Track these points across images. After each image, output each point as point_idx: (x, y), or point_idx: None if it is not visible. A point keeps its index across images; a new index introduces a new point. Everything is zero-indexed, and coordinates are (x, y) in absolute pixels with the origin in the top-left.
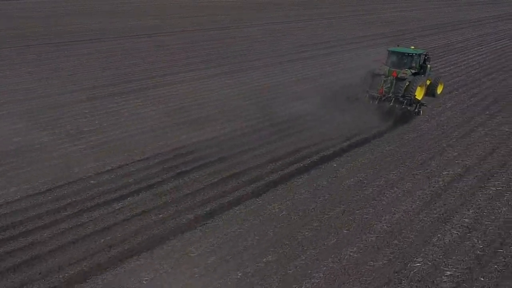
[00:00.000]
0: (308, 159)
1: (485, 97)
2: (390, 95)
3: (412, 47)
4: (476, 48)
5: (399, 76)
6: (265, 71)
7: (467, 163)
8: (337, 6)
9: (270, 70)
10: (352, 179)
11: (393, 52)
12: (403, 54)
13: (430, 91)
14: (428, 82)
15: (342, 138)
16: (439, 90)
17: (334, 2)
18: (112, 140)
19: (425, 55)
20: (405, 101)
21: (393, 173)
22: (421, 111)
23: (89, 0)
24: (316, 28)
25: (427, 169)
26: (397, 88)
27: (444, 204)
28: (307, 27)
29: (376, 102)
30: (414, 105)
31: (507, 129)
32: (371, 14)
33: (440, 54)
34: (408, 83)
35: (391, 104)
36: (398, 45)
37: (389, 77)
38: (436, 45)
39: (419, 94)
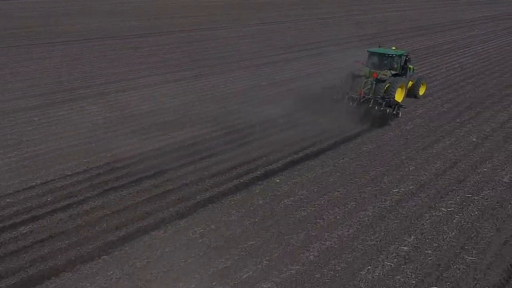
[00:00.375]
0: (252, 174)
1: (460, 103)
2: (370, 96)
3: (394, 48)
4: (461, 50)
5: (379, 77)
6: (242, 74)
7: (422, 178)
8: (335, 5)
9: (247, 73)
10: (291, 198)
11: (373, 53)
12: (383, 55)
13: (412, 93)
14: (410, 83)
15: (298, 147)
16: (422, 91)
17: (333, 1)
18: (49, 151)
19: (406, 56)
20: (384, 102)
21: (339, 191)
22: (399, 113)
23: (75, 1)
24: (311, 28)
25: (377, 186)
26: (377, 90)
27: (385, 228)
28: (302, 27)
29: (355, 104)
30: (393, 107)
31: (474, 139)
32: (365, 14)
33: (424, 56)
34: (388, 84)
35: (370, 105)
36: (379, 46)
37: (369, 78)
38: (421, 46)
39: (399, 95)
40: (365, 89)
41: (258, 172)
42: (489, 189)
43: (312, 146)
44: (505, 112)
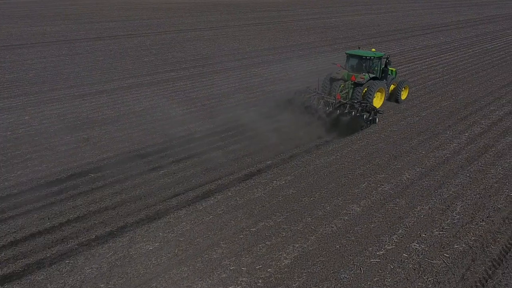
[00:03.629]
0: (153, 207)
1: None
2: (346, 101)
3: (373, 50)
4: (414, 63)
5: (357, 80)
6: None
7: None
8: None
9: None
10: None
11: (351, 55)
12: (361, 57)
13: (393, 97)
14: (392, 87)
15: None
16: (404, 95)
17: (306, 4)
18: None
19: (386, 58)
20: (360, 108)
21: (254, 228)
22: (377, 119)
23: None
24: (266, 33)
25: (292, 227)
26: (355, 94)
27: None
28: (259, 31)
29: (331, 108)
30: (369, 112)
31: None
32: (336, 17)
33: None
34: (366, 88)
35: (346, 111)
36: (359, 48)
37: (347, 82)
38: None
39: (378, 100)
40: (342, 93)
41: (174, 202)
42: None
43: (259, 163)
44: (448, 146)
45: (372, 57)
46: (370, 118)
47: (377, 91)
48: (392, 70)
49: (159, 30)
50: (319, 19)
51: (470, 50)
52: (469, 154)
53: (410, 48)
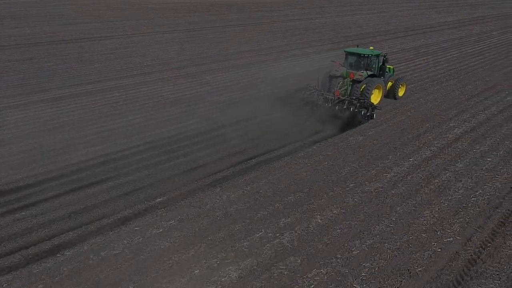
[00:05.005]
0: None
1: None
2: (344, 97)
3: (371, 48)
4: None
5: (355, 78)
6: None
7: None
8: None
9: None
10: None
11: (350, 53)
12: (359, 55)
13: (391, 94)
14: (389, 84)
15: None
16: (401, 92)
17: (299, 4)
18: None
19: (384, 56)
20: (358, 104)
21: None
22: (374, 115)
23: None
24: (242, 35)
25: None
26: (354, 91)
27: None
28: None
29: (330, 104)
30: (367, 108)
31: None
32: (323, 18)
33: None
34: (364, 85)
35: (345, 107)
36: (357, 46)
37: (346, 79)
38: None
39: (376, 97)
40: (341, 90)
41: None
42: None
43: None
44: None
45: (370, 55)
46: (368, 114)
47: (375, 88)
48: (389, 68)
49: (133, 32)
50: (303, 20)
51: (448, 54)
52: (405, 188)
53: (385, 52)
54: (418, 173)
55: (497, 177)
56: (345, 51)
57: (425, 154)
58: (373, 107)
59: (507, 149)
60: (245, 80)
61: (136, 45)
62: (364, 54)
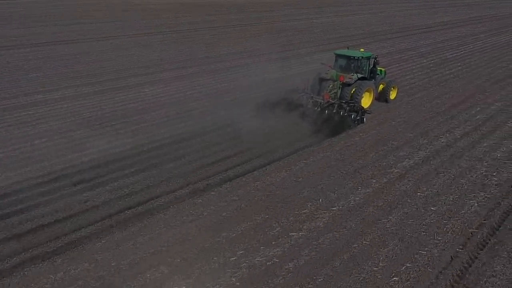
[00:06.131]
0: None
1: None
2: (334, 101)
3: (362, 50)
4: None
5: (345, 81)
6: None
7: None
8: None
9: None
10: None
11: (340, 56)
12: (349, 57)
13: (382, 97)
14: (381, 87)
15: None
16: (393, 95)
17: (298, 4)
18: None
19: (374, 58)
20: (348, 107)
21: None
22: (364, 119)
23: None
24: (230, 36)
25: None
26: (344, 94)
27: None
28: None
29: (319, 108)
30: (357, 112)
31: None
32: (314, 18)
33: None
34: (354, 88)
35: (334, 111)
36: (348, 48)
37: (336, 82)
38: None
39: (366, 100)
40: (331, 93)
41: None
42: None
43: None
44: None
45: (360, 57)
46: (358, 118)
47: (365, 91)
48: (381, 70)
49: (116, 34)
50: (295, 20)
51: (425, 60)
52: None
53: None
54: (329, 237)
55: (438, 239)
56: (335, 53)
57: (355, 200)
58: (363, 111)
59: (460, 192)
60: (195, 91)
61: (108, 49)
62: (354, 57)
